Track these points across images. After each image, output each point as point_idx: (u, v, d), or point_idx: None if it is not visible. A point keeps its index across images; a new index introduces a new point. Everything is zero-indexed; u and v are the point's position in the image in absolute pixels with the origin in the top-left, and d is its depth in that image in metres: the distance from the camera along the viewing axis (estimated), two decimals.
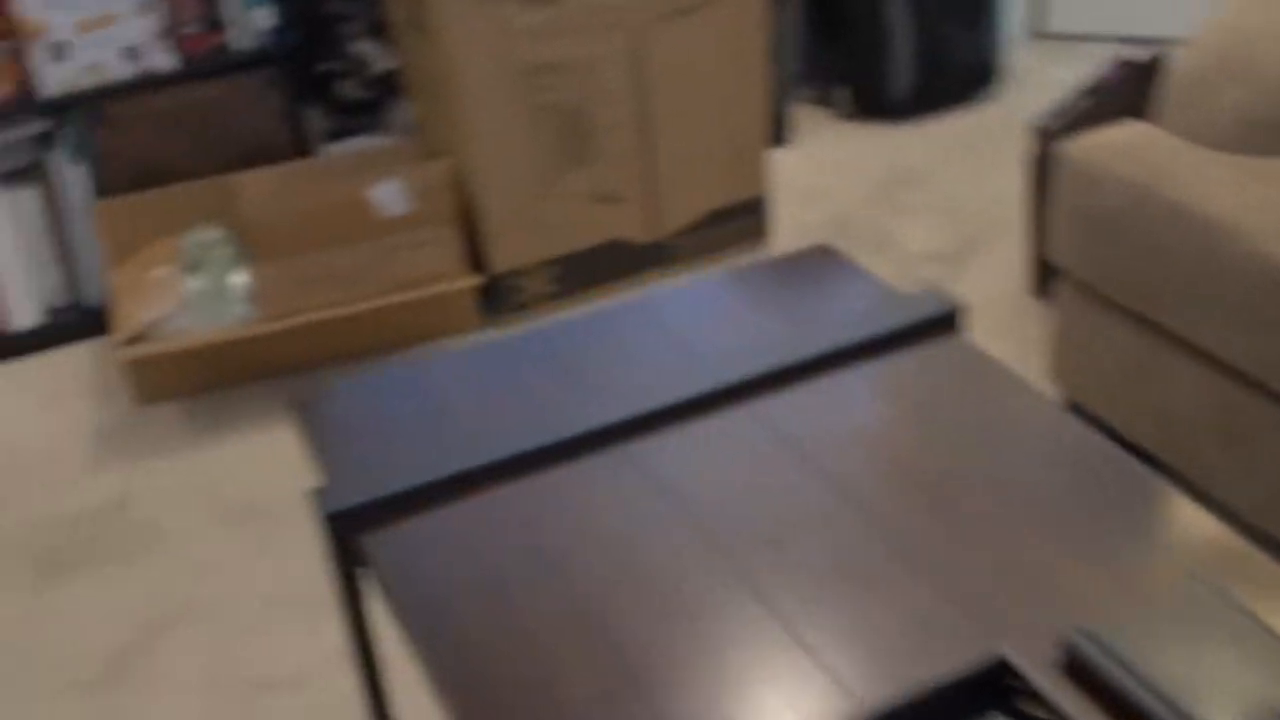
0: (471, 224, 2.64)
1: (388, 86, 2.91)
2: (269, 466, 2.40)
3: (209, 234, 2.68)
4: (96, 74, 2.62)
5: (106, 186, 2.73)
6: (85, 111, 2.66)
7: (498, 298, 2.69)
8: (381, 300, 2.51)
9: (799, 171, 3.21)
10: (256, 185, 2.71)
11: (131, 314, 2.51)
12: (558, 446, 1.38)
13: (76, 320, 2.80)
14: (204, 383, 2.59)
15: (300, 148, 2.83)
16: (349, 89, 2.89)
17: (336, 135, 2.91)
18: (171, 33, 2.65)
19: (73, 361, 2.74)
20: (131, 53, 2.62)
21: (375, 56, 2.89)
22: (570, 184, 2.66)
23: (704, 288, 1.66)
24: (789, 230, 2.99)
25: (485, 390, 1.50)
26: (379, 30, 2.89)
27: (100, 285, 2.78)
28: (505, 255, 2.66)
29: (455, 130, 2.59)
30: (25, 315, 2.75)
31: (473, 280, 2.58)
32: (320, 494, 1.31)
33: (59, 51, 2.57)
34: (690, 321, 1.58)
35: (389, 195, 2.47)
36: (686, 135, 2.73)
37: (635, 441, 1.39)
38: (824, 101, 3.47)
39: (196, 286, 2.54)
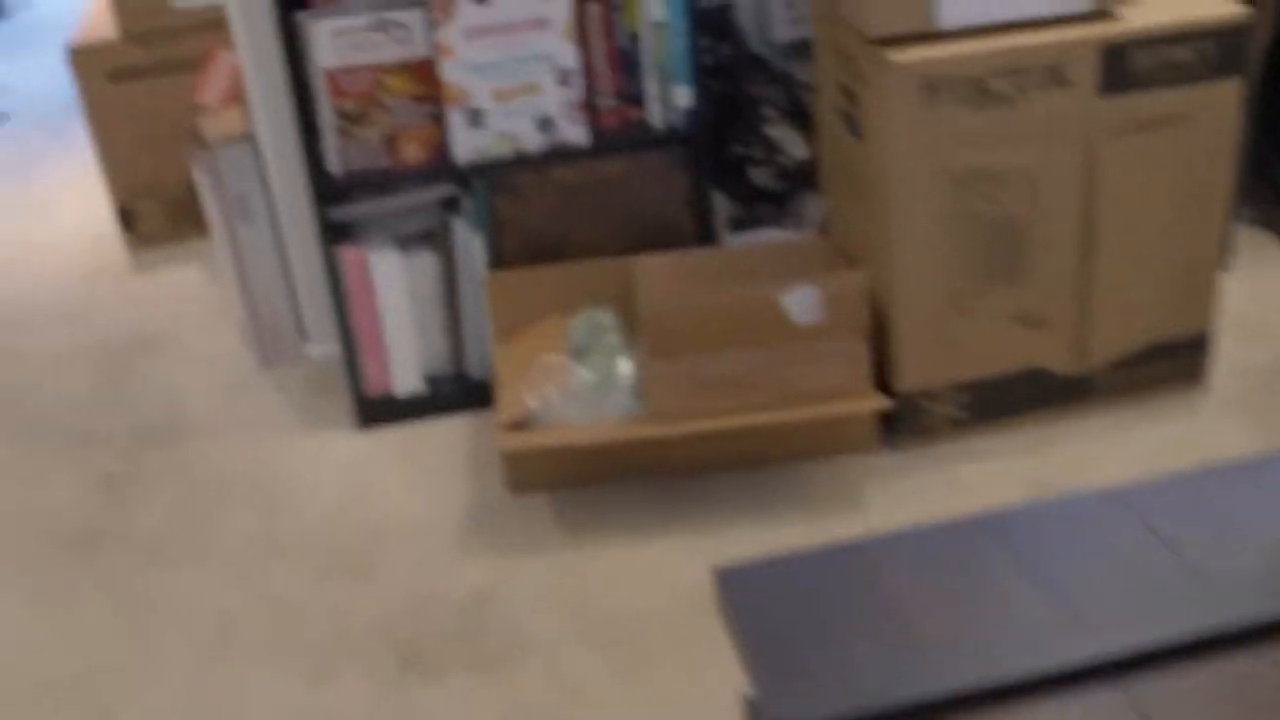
0: (880, 336, 2.41)
1: (800, 177, 2.73)
2: (644, 579, 2.23)
3: (601, 316, 2.56)
4: (508, 143, 2.53)
5: (501, 257, 2.65)
6: (491, 179, 2.59)
7: (900, 419, 2.45)
8: (779, 413, 2.32)
9: (1240, 304, 2.84)
10: (656, 270, 2.56)
11: (514, 398, 2.40)
12: (1039, 677, 1.13)
13: (457, 391, 2.72)
14: (580, 477, 2.45)
15: (703, 234, 2.67)
16: (760, 176, 2.72)
17: (741, 224, 2.74)
18: (587, 106, 2.54)
19: (450, 434, 2.66)
20: (545, 124, 2.53)
21: (791, 143, 2.72)
22: (993, 303, 2.40)
23: (1196, 482, 1.37)
24: (1228, 372, 2.63)
25: (941, 588, 1.26)
26: (799, 117, 2.72)
27: (484, 359, 2.69)
28: (913, 375, 2.42)
29: (874, 234, 2.38)
30: (408, 381, 2.69)
31: (879, 402, 2.35)
32: (755, 706, 1.11)
33: (475, 118, 2.50)
34: (1185, 526, 1.31)
35: (802, 302, 2.28)
36: (1130, 259, 2.43)
37: (1134, 682, 1.13)
38: (1271, 224, 3.09)
39: (584, 377, 2.40)
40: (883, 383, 2.42)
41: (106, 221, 3.74)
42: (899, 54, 2.18)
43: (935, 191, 2.27)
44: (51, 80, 5.08)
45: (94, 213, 3.89)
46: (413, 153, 2.52)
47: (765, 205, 2.75)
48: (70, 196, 4.14)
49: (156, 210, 3.62)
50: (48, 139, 4.70)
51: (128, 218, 3.62)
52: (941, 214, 2.29)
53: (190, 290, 3.41)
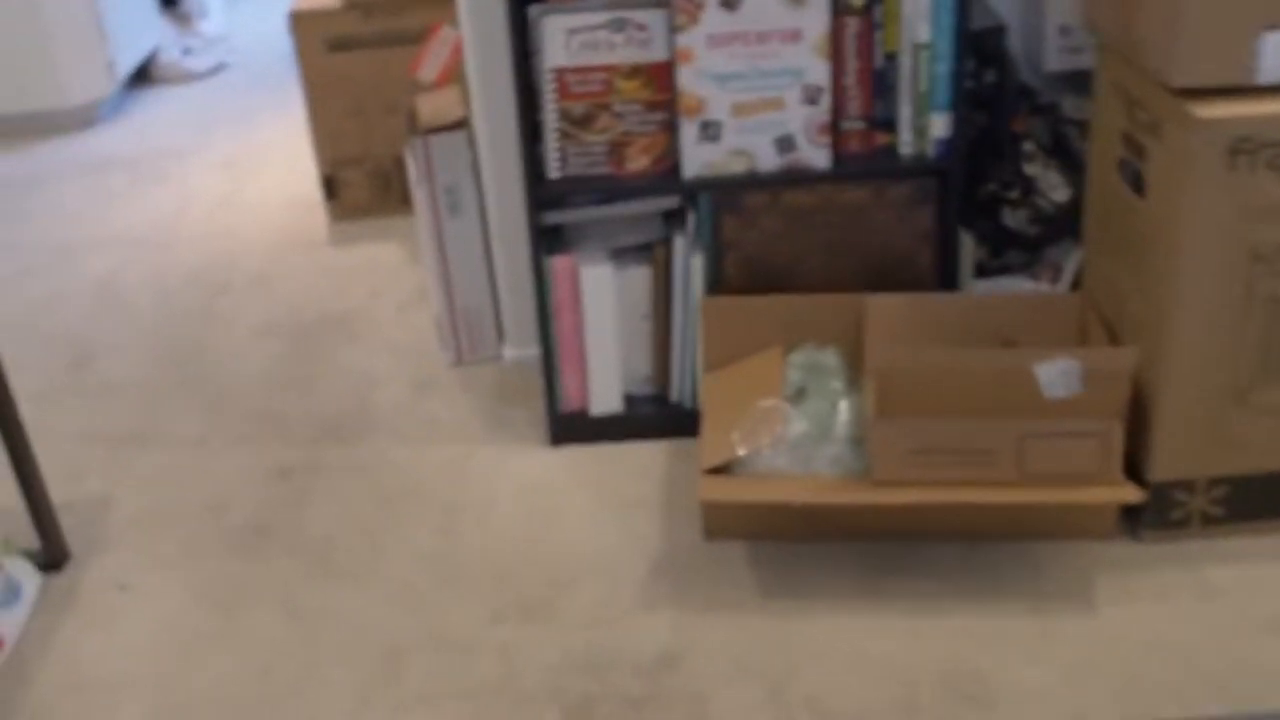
0: (1136, 417, 2.14)
1: (1058, 223, 2.46)
2: (848, 660, 2.01)
3: (823, 357, 2.34)
4: (742, 160, 2.32)
5: (719, 279, 2.44)
6: (719, 198, 2.38)
7: (1146, 508, 2.18)
8: (1017, 494, 2.07)
9: None
10: (888, 311, 2.33)
11: (722, 440, 2.20)
12: None
13: (656, 415, 2.53)
14: (783, 532, 2.24)
15: (944, 277, 2.42)
16: (1014, 218, 2.46)
17: (985, 269, 2.49)
18: (831, 128, 2.32)
19: (645, 461, 2.47)
20: (784, 143, 2.31)
21: (1051, 185, 2.45)
22: (1271, 395, 2.11)
23: None
24: None
25: None
26: (1061, 156, 2.45)
27: (689, 385, 2.49)
28: (1169, 464, 2.15)
29: (1146, 304, 2.11)
30: (607, 400, 2.51)
31: (1132, 494, 2.09)
32: None
33: (709, 131, 2.29)
34: None
35: (1061, 376, 2.03)
36: None
37: None
38: None
39: (800, 428, 2.19)
40: (1132, 468, 2.15)
41: (311, 187, 3.65)
42: (1205, 108, 1.91)
43: (1229, 267, 1.99)
44: (270, 32, 5.05)
45: (300, 176, 3.82)
46: (637, 162, 2.33)
47: (1015, 251, 2.49)
48: (279, 156, 4.08)
49: (361, 181, 3.51)
50: (262, 93, 4.66)
51: (331, 186, 3.52)
52: (1233, 292, 2.01)
53: (387, 270, 3.29)
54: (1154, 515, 2.19)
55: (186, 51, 4.89)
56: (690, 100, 2.27)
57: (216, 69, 4.92)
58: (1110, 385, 2.07)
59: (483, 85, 2.52)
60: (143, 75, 4.81)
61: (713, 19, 2.21)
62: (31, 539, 2.29)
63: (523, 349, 2.75)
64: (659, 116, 2.30)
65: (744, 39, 2.23)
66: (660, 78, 2.27)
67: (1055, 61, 2.54)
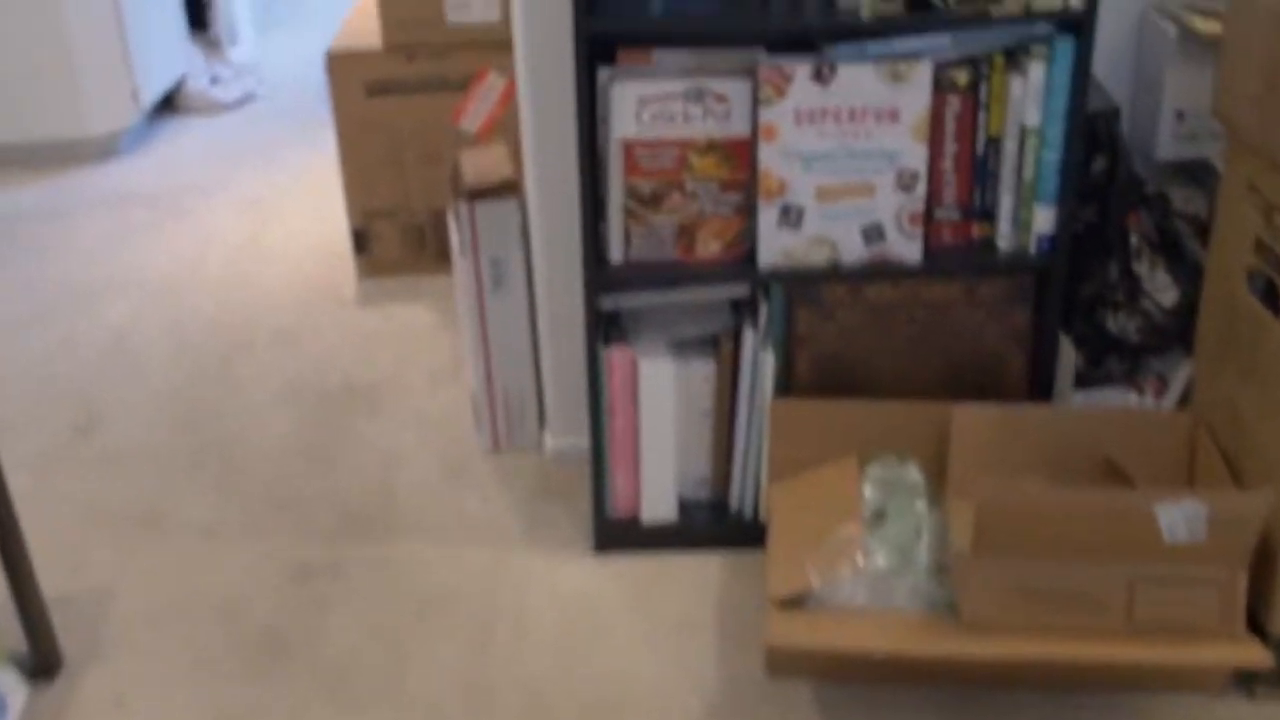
0: (1259, 564, 1.90)
1: (1167, 330, 2.22)
2: None
3: (905, 473, 2.10)
4: (824, 249, 2.09)
5: (790, 377, 2.21)
6: (793, 289, 2.15)
7: None
8: (1127, 650, 1.83)
9: None
10: (976, 424, 2.10)
11: (793, 568, 1.95)
12: None
13: (713, 523, 2.29)
14: (856, 674, 2.00)
15: (1037, 386, 2.19)
16: (1116, 322, 2.22)
17: (1084, 379, 2.25)
18: (923, 217, 2.09)
19: (701, 576, 2.23)
20: (872, 233, 2.08)
21: (1159, 286, 2.21)
22: None
23: None
24: None
25: None
26: (1169, 253, 2.22)
27: (751, 493, 2.26)
28: None
29: (1275, 437, 1.87)
30: (661, 508, 2.27)
31: (1257, 654, 1.84)
32: None
33: (790, 216, 2.06)
34: None
35: (1180, 519, 1.78)
36: None
37: None
38: None
39: (881, 560, 1.95)
40: (1250, 617, 1.91)
41: (339, 235, 3.43)
42: None
43: None
44: (302, 61, 4.86)
45: (328, 223, 3.60)
46: (708, 247, 2.10)
47: (1116, 359, 2.25)
48: (307, 198, 3.86)
49: (393, 236, 3.29)
50: (292, 127, 4.45)
51: (362, 240, 3.30)
52: None
53: (419, 335, 3.06)
54: (1274, 673, 1.95)
55: (214, 80, 4.68)
56: (771, 181, 2.04)
57: (245, 99, 4.71)
58: (1236, 530, 1.83)
59: (538, 149, 2.30)
60: (168, 104, 4.60)
61: (802, 92, 1.99)
62: (19, 638, 2.06)
63: (566, 439, 2.52)
64: (735, 198, 2.07)
65: (835, 116, 2.00)
66: (739, 155, 2.04)
67: (1169, 149, 2.30)
